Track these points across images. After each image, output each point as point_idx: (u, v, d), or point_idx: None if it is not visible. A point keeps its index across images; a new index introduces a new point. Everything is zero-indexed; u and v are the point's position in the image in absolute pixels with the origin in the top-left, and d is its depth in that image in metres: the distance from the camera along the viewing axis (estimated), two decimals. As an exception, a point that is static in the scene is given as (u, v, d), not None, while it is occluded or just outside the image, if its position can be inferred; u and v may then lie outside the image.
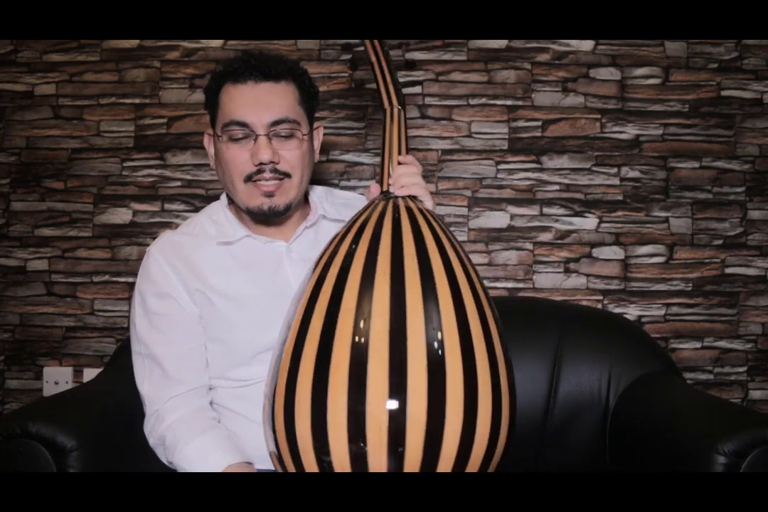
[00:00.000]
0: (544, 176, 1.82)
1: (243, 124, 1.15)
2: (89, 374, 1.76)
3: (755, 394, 1.80)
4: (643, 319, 1.80)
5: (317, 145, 1.28)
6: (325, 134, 1.33)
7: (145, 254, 1.23)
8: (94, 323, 1.81)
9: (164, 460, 1.16)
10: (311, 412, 0.86)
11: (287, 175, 1.17)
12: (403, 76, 1.21)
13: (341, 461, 0.85)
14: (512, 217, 1.82)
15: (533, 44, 1.82)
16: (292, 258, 1.22)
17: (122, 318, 1.80)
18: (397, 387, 0.84)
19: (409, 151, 1.13)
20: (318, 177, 1.76)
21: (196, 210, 1.68)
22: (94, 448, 1.12)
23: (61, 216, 1.82)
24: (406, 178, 1.07)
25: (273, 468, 1.07)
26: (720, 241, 1.81)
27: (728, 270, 1.81)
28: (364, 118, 1.82)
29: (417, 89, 1.80)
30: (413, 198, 1.07)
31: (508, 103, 1.82)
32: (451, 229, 1.79)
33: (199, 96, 1.78)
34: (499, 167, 1.82)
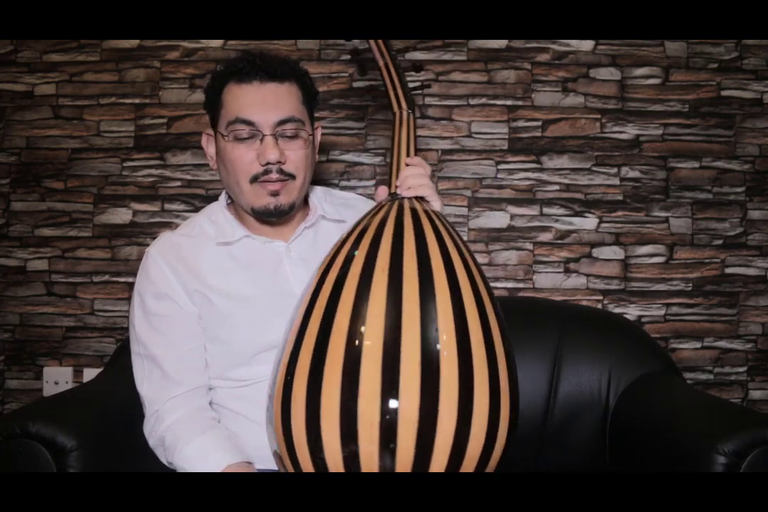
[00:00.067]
0: (544, 176, 1.82)
1: (249, 122, 1.15)
2: (89, 374, 1.76)
3: (755, 394, 1.80)
4: (643, 319, 1.80)
5: (316, 145, 1.28)
6: (324, 134, 1.33)
7: (144, 255, 1.23)
8: (94, 323, 1.81)
9: (164, 461, 1.16)
10: (305, 411, 0.87)
11: (292, 176, 1.17)
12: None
13: (335, 459, 0.85)
14: (512, 217, 1.82)
15: (533, 44, 1.82)
16: (291, 258, 1.22)
17: (122, 318, 1.80)
18: (390, 385, 0.84)
19: (417, 152, 1.13)
20: (318, 177, 1.76)
21: (196, 210, 1.68)
22: (94, 448, 1.12)
23: (61, 216, 1.82)
24: (412, 179, 1.07)
25: (273, 468, 1.07)
26: (720, 241, 1.81)
27: (728, 270, 1.81)
28: (364, 118, 1.82)
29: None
30: (420, 199, 1.07)
31: (508, 103, 1.82)
32: (451, 229, 1.79)
33: (199, 96, 1.78)
34: (499, 167, 1.82)
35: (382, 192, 1.10)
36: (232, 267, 1.21)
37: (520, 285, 1.81)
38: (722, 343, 1.80)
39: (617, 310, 1.80)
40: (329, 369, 0.86)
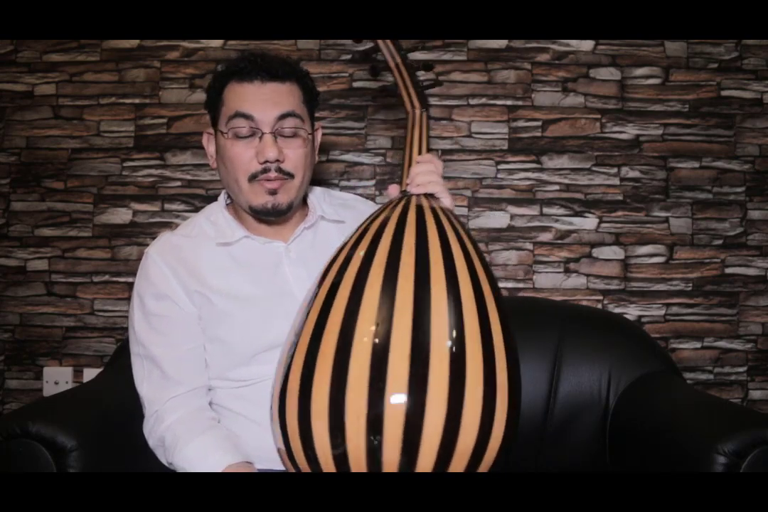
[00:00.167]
0: (544, 176, 1.82)
1: (249, 117, 1.15)
2: (89, 374, 1.76)
3: (755, 394, 1.80)
4: (643, 319, 1.80)
5: (316, 146, 1.28)
6: (325, 134, 1.33)
7: (144, 256, 1.23)
8: (94, 323, 1.81)
9: (164, 461, 1.16)
10: (298, 404, 0.87)
11: (290, 175, 1.17)
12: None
13: (324, 451, 0.86)
14: (512, 217, 1.82)
15: (533, 44, 1.82)
16: (291, 258, 1.22)
17: (122, 318, 1.80)
18: (378, 378, 0.84)
19: (430, 150, 1.14)
20: (318, 177, 1.76)
21: (196, 210, 1.68)
22: (94, 448, 1.11)
23: (61, 216, 1.82)
24: (422, 176, 1.08)
25: (273, 467, 1.07)
26: (720, 241, 1.81)
27: (728, 270, 1.81)
28: (364, 118, 1.82)
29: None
30: (430, 196, 1.07)
31: (508, 103, 1.82)
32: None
33: (199, 96, 1.78)
34: (499, 167, 1.82)
35: (393, 190, 1.11)
36: (232, 267, 1.21)
37: (520, 285, 1.81)
38: (722, 343, 1.80)
39: (617, 310, 1.80)
40: (321, 363, 0.87)
